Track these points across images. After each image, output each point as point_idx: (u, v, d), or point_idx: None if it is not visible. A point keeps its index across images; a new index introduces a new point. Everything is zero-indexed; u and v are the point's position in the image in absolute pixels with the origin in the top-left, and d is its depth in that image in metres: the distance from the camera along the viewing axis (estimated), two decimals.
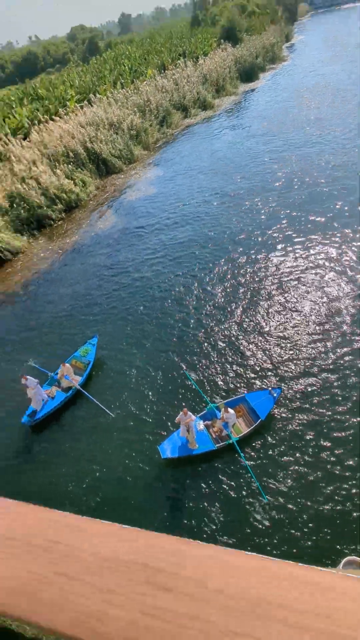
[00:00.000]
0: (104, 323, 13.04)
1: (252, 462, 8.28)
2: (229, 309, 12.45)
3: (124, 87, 32.85)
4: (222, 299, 12.92)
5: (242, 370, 10.42)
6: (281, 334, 11.17)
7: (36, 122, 25.66)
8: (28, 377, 10.23)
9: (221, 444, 8.72)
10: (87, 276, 15.80)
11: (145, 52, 45.92)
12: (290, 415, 9.08)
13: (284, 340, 10.95)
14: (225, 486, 8.03)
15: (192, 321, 12.32)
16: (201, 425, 9.06)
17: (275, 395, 9.10)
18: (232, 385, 10.11)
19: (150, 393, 10.27)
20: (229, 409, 8.78)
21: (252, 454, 8.53)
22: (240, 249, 15.14)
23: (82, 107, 28.28)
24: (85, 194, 22.28)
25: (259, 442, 8.73)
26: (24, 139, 23.98)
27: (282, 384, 9.72)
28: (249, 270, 13.95)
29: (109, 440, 9.34)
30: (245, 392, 9.70)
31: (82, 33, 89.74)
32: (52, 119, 26.10)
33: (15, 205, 19.21)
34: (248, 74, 41.71)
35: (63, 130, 24.21)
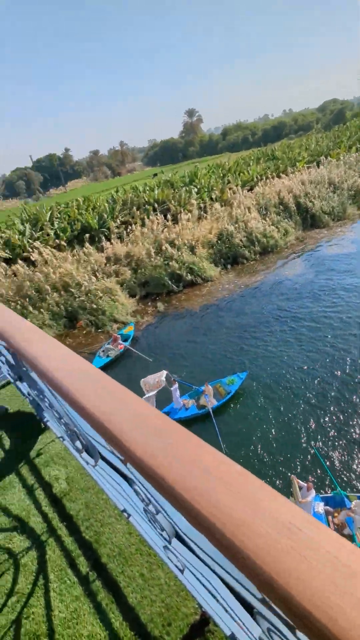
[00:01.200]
0: (259, 361, 13.15)
1: None
2: None
3: (358, 151, 32.89)
4: None
5: None
6: None
7: (264, 177, 29.07)
8: (177, 382, 11.54)
9: None
10: (260, 313, 16.40)
11: None
12: None
13: None
14: None
15: (351, 393, 10.83)
16: (321, 507, 7.80)
17: None
18: None
19: (271, 451, 9.58)
20: None
21: None
22: None
23: (308, 168, 30.10)
24: (283, 242, 23.36)
25: None
26: (250, 190, 27.60)
27: None
28: None
29: None
30: None
31: (332, 105, 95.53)
32: (279, 176, 28.96)
33: (220, 242, 22.24)
34: None
35: (284, 185, 26.42)
